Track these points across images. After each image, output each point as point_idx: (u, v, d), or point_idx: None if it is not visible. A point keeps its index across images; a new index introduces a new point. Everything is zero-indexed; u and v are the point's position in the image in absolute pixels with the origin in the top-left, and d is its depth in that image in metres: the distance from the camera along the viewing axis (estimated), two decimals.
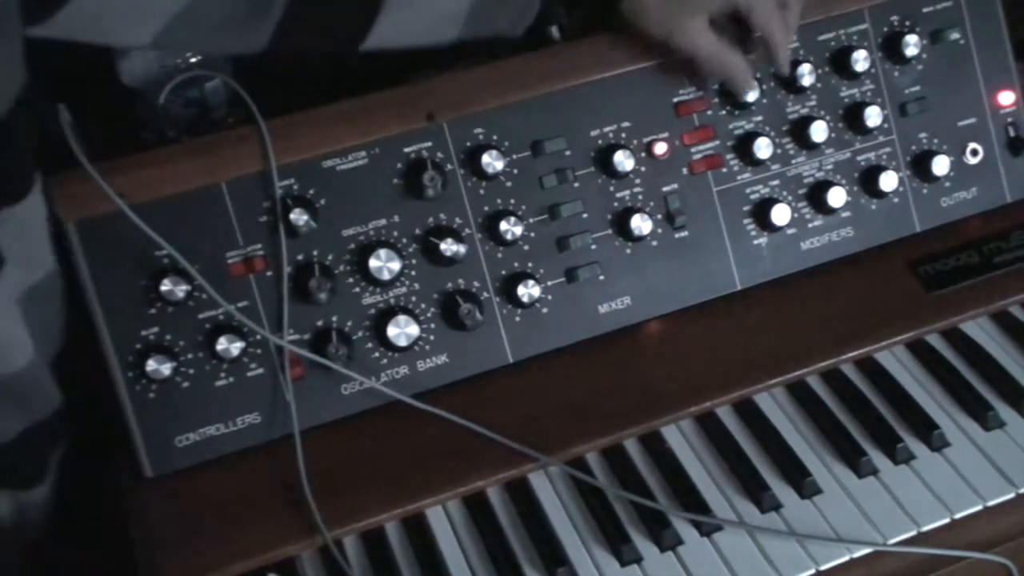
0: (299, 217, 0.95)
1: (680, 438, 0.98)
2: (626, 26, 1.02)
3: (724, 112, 1.06)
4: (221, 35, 0.89)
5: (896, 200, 1.11)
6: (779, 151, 1.07)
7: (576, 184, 1.03)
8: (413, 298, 0.99)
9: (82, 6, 0.81)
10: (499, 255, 1.01)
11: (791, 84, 1.07)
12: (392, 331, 0.97)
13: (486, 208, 1.01)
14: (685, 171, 1.06)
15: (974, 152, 1.12)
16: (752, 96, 1.05)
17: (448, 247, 0.98)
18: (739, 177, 1.07)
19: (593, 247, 1.03)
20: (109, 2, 0.82)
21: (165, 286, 0.92)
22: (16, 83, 0.76)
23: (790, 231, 1.08)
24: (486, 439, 0.95)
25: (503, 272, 1.01)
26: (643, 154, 1.04)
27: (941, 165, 1.10)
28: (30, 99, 0.77)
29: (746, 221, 1.07)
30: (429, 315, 0.99)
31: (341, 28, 0.93)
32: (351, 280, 0.98)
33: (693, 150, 1.06)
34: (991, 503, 0.92)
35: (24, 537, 0.96)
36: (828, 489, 0.94)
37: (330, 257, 0.97)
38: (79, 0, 0.80)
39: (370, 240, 0.98)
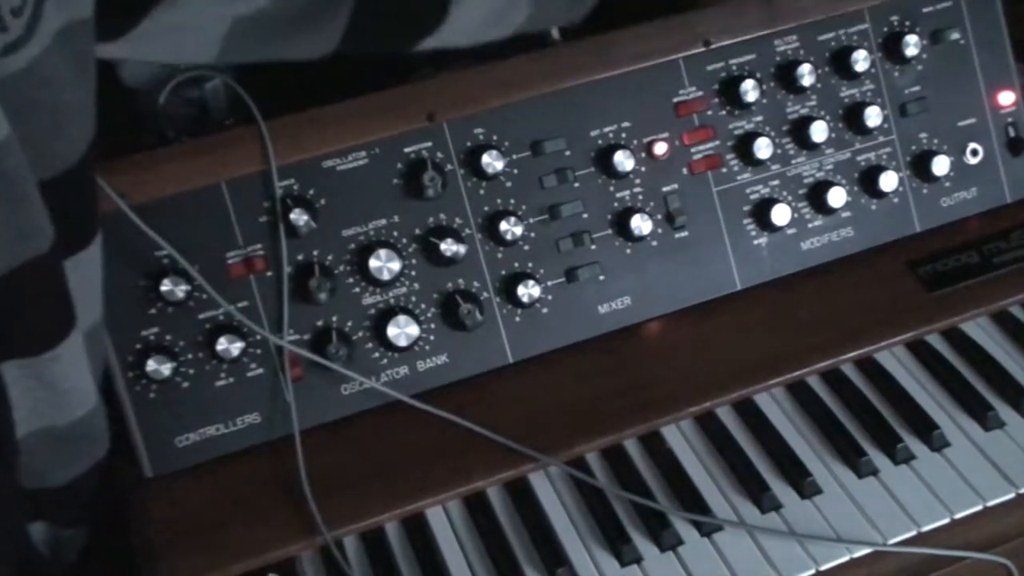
0: (299, 217, 0.95)
1: (680, 438, 0.98)
2: None
3: (724, 112, 1.06)
4: (287, 42, 0.89)
5: (896, 200, 1.11)
6: (779, 151, 1.07)
7: (576, 184, 1.03)
8: (413, 298, 0.99)
9: (154, 25, 0.81)
10: (499, 255, 1.01)
11: (791, 84, 1.07)
12: (392, 331, 0.97)
13: (486, 208, 1.01)
14: (685, 171, 1.06)
15: (974, 152, 1.13)
16: (752, 96, 1.05)
17: (448, 247, 0.98)
18: (739, 177, 1.07)
19: (593, 247, 1.03)
20: (178, 19, 0.82)
21: (165, 286, 0.92)
22: (91, 129, 0.76)
23: (790, 231, 1.08)
24: (486, 439, 0.96)
25: (503, 272, 1.01)
26: (643, 154, 1.04)
27: (941, 165, 1.10)
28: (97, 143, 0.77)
29: (746, 221, 1.07)
30: (429, 315, 0.99)
31: (406, 29, 0.94)
32: (351, 280, 0.98)
33: (693, 150, 1.06)
34: (991, 503, 0.92)
35: (60, 564, 0.96)
36: (828, 489, 0.94)
37: (330, 257, 0.97)
38: (151, 20, 0.81)
39: (370, 240, 0.98)
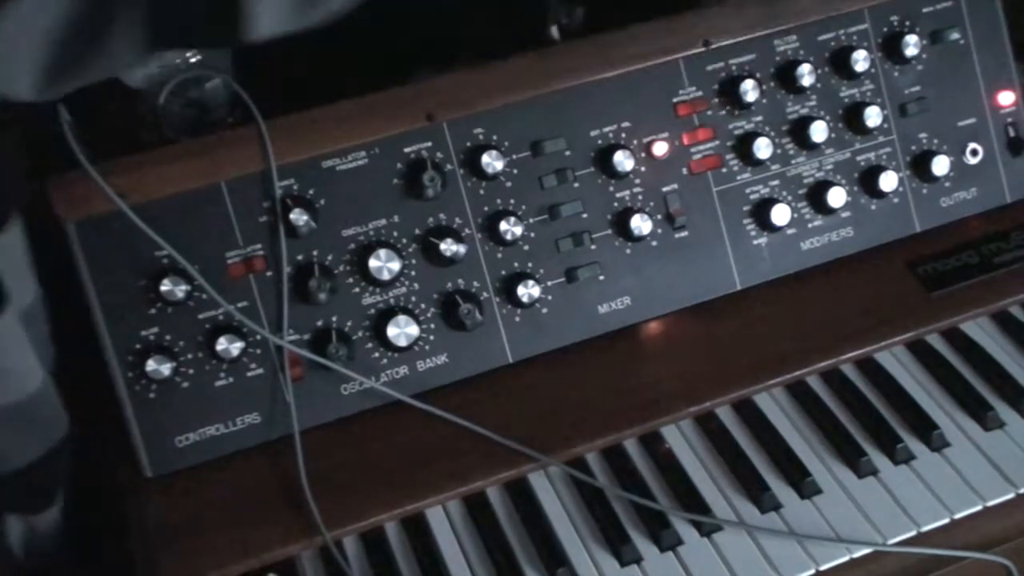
0: (299, 217, 0.95)
1: (680, 438, 0.98)
2: None
3: (724, 112, 1.06)
4: (101, 55, 0.84)
5: (896, 200, 1.11)
6: (779, 151, 1.07)
7: (576, 184, 1.03)
8: (413, 298, 0.99)
9: None
10: (499, 255, 1.01)
11: (791, 84, 1.07)
12: (392, 331, 0.97)
13: (486, 208, 1.01)
14: (685, 171, 1.06)
15: (974, 152, 1.13)
16: (752, 96, 1.05)
17: (448, 247, 0.98)
18: (739, 177, 1.07)
19: (593, 247, 1.03)
20: None
21: (165, 286, 0.92)
22: None
23: (790, 231, 1.08)
24: (486, 439, 0.96)
25: (503, 272, 1.01)
26: (643, 154, 1.04)
27: (941, 165, 1.10)
28: (4, 122, 0.77)
29: (746, 221, 1.07)
30: (429, 315, 0.99)
31: (208, 20, 0.89)
32: (351, 280, 0.98)
33: (693, 150, 1.06)
34: (991, 503, 0.92)
35: (35, 561, 0.96)
36: (828, 489, 0.94)
37: (330, 257, 0.97)
38: None
39: (370, 240, 0.98)
